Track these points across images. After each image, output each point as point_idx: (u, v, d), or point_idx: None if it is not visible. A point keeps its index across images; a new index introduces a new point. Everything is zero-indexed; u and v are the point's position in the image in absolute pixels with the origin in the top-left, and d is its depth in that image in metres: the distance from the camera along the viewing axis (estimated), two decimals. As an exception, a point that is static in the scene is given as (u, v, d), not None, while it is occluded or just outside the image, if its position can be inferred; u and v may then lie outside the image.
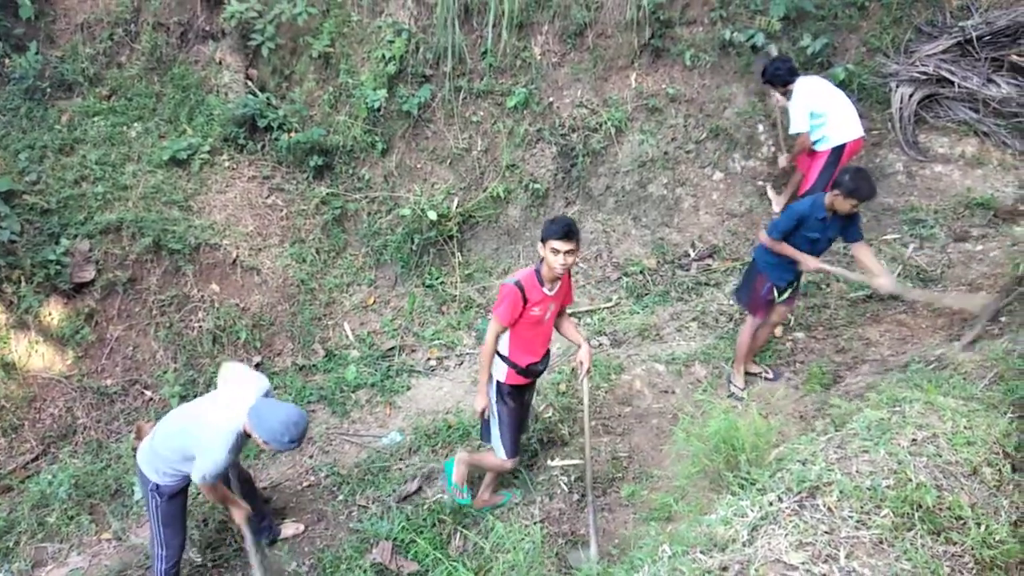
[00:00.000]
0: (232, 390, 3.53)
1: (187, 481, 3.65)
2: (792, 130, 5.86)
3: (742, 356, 5.11)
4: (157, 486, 3.60)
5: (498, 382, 3.87)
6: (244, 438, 3.42)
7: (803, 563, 1.91)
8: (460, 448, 4.70)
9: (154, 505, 3.65)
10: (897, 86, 6.75)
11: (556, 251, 3.48)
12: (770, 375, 5.23)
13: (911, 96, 6.74)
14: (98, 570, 4.28)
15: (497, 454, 4.03)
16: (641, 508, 4.21)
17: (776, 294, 4.79)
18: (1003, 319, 4.69)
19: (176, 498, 3.69)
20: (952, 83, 6.62)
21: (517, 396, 3.96)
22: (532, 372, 3.91)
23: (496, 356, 3.84)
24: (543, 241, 3.52)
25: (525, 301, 3.63)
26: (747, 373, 5.21)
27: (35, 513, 4.60)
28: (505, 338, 3.80)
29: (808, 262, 4.58)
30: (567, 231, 3.46)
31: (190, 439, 3.41)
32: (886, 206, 6.57)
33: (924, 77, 6.68)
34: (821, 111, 5.76)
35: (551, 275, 3.63)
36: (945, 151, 6.73)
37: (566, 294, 3.90)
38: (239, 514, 3.76)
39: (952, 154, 6.67)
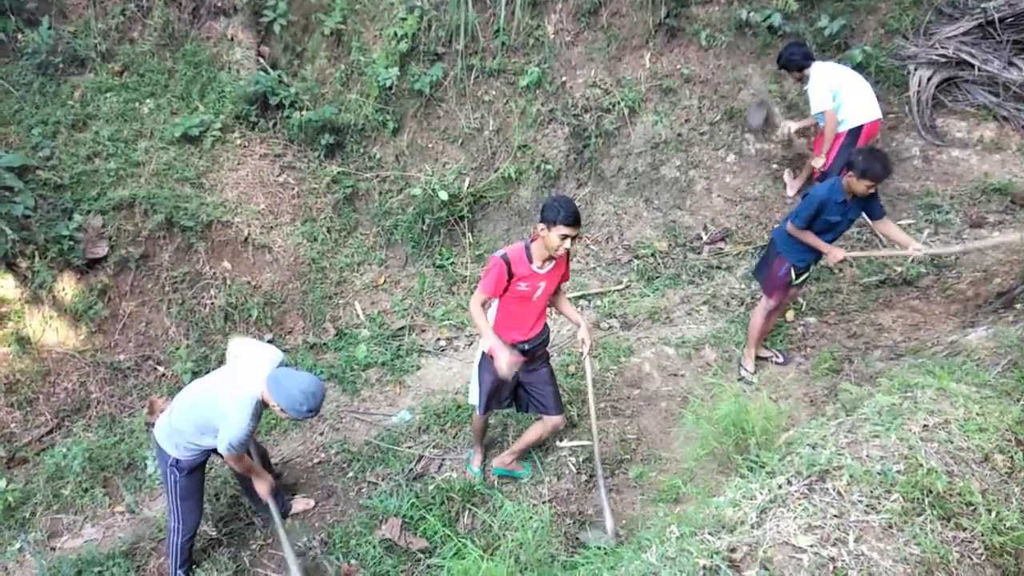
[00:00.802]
0: (247, 361, 3.55)
1: (205, 455, 3.68)
2: (815, 109, 5.71)
3: (755, 339, 5.08)
4: (177, 461, 3.61)
5: (483, 353, 3.93)
6: (262, 406, 3.44)
7: (811, 546, 1.91)
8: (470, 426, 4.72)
9: (172, 480, 3.67)
10: (915, 69, 6.64)
11: (564, 236, 3.45)
12: (780, 359, 5.22)
13: (929, 79, 6.64)
14: (112, 542, 4.35)
15: (472, 401, 4.25)
16: (649, 490, 4.23)
17: (794, 276, 4.75)
18: (1018, 306, 4.65)
19: (195, 473, 3.72)
20: (972, 66, 6.51)
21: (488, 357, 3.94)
22: (517, 349, 3.81)
23: None
24: (549, 224, 3.45)
25: (511, 275, 3.63)
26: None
27: (50, 485, 4.66)
28: (492, 312, 3.82)
29: (835, 254, 4.55)
30: (577, 217, 3.44)
31: (210, 411, 3.42)
32: (901, 191, 6.50)
33: (943, 60, 6.57)
34: (839, 91, 5.67)
35: (544, 255, 3.62)
36: (963, 135, 6.64)
37: (562, 274, 3.85)
38: (264, 486, 3.78)
39: (970, 139, 6.58)
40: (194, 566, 4.04)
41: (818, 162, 5.88)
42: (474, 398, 4.20)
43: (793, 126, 6.17)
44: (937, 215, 6.15)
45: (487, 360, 3.92)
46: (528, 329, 3.84)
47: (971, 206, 6.19)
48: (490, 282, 3.63)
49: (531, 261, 3.65)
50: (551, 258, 3.66)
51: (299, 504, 4.49)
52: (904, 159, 6.64)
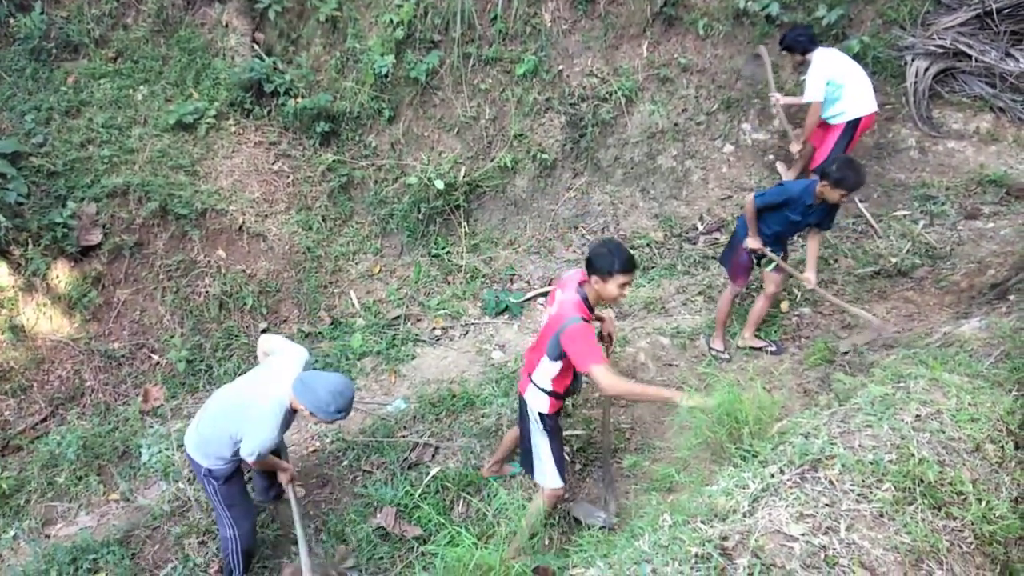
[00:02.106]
0: (273, 366, 3.49)
1: (239, 462, 3.61)
2: (806, 98, 5.71)
3: (721, 320, 5.25)
4: (210, 471, 3.55)
5: (541, 414, 3.58)
6: (291, 414, 3.40)
7: (803, 534, 1.93)
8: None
9: (212, 489, 3.61)
10: (913, 59, 6.64)
11: (623, 284, 3.29)
12: (773, 348, 5.24)
13: (927, 70, 6.63)
14: (106, 529, 4.35)
15: (551, 484, 3.66)
16: (643, 479, 4.24)
17: (755, 262, 4.93)
18: (1012, 297, 4.66)
19: (233, 479, 3.65)
20: (969, 57, 6.51)
21: (557, 419, 3.73)
22: (570, 392, 3.68)
23: (538, 390, 3.55)
24: (605, 275, 3.25)
25: None
26: (751, 348, 5.23)
27: (44, 473, 4.66)
28: (554, 372, 3.48)
29: (752, 242, 4.75)
30: (633, 262, 3.30)
31: (237, 420, 3.37)
32: (897, 182, 6.51)
33: (941, 50, 6.57)
34: (840, 82, 5.65)
35: (599, 303, 3.44)
36: (959, 127, 6.64)
37: None
38: (284, 476, 3.74)
39: (966, 130, 6.58)
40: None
41: (794, 147, 5.99)
42: (553, 474, 3.65)
43: (782, 100, 6.12)
44: (933, 206, 6.16)
45: (547, 420, 3.61)
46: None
47: (966, 197, 6.20)
48: (597, 347, 3.30)
49: (591, 311, 3.44)
50: (606, 306, 3.52)
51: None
52: (900, 150, 6.65)
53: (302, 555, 3.52)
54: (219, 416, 3.48)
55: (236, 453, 3.48)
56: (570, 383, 3.59)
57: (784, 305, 5.63)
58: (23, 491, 4.59)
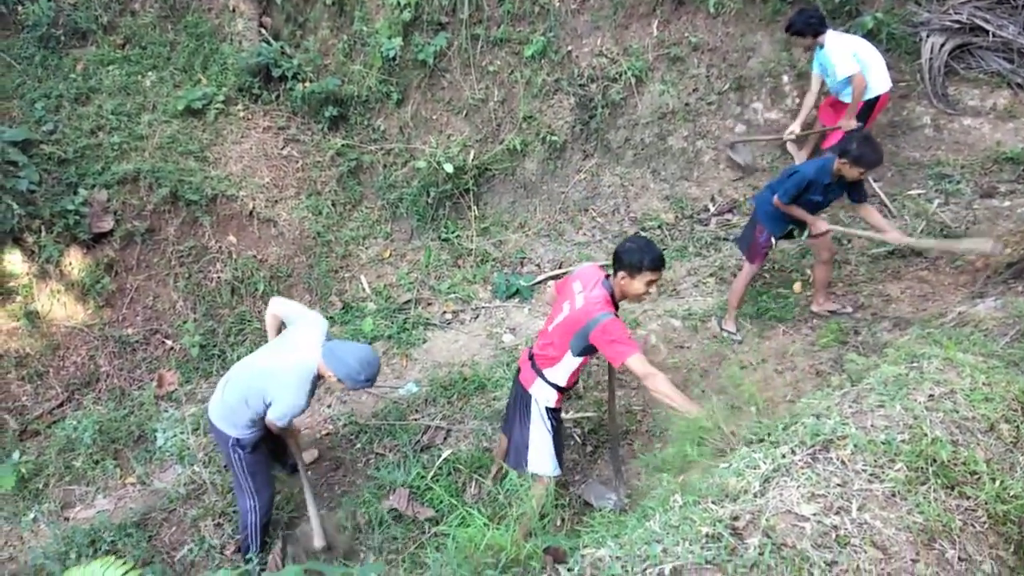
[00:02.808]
0: (296, 335, 3.54)
1: (265, 431, 3.66)
2: (844, 73, 5.50)
3: (735, 302, 5.21)
4: (238, 440, 3.59)
5: (548, 408, 3.55)
6: (317, 380, 3.45)
7: (814, 514, 1.92)
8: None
9: (238, 459, 3.65)
10: (928, 35, 6.51)
11: (651, 282, 3.25)
12: (849, 309, 5.23)
13: (942, 46, 6.51)
14: (123, 512, 4.42)
15: (549, 472, 3.62)
16: (654, 459, 4.24)
17: (774, 243, 4.92)
18: (1028, 276, 4.61)
19: (258, 448, 3.70)
20: (986, 32, 6.38)
21: (559, 413, 3.73)
22: (574, 386, 3.67)
23: (548, 385, 3.52)
24: (633, 271, 3.22)
25: None
26: (830, 312, 5.22)
27: (62, 457, 4.73)
28: (571, 368, 3.46)
29: (818, 225, 4.67)
30: (663, 259, 3.26)
31: (265, 387, 3.40)
32: (911, 160, 6.42)
33: (957, 26, 6.44)
34: (863, 59, 5.55)
35: (624, 299, 3.39)
36: (976, 103, 6.53)
37: None
38: (293, 441, 3.88)
39: (983, 107, 6.47)
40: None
41: (850, 124, 5.70)
42: (552, 464, 3.62)
43: (796, 128, 6.07)
44: (948, 185, 6.08)
45: (553, 415, 3.59)
46: None
47: (982, 176, 6.11)
48: (632, 339, 3.24)
49: (616, 308, 3.38)
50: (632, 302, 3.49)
51: (306, 455, 4.51)
52: (915, 128, 6.55)
53: (314, 524, 3.57)
54: (246, 383, 3.50)
55: (262, 418, 3.52)
56: (578, 378, 3.59)
57: (797, 286, 5.59)
58: (42, 475, 4.66)
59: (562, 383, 3.50)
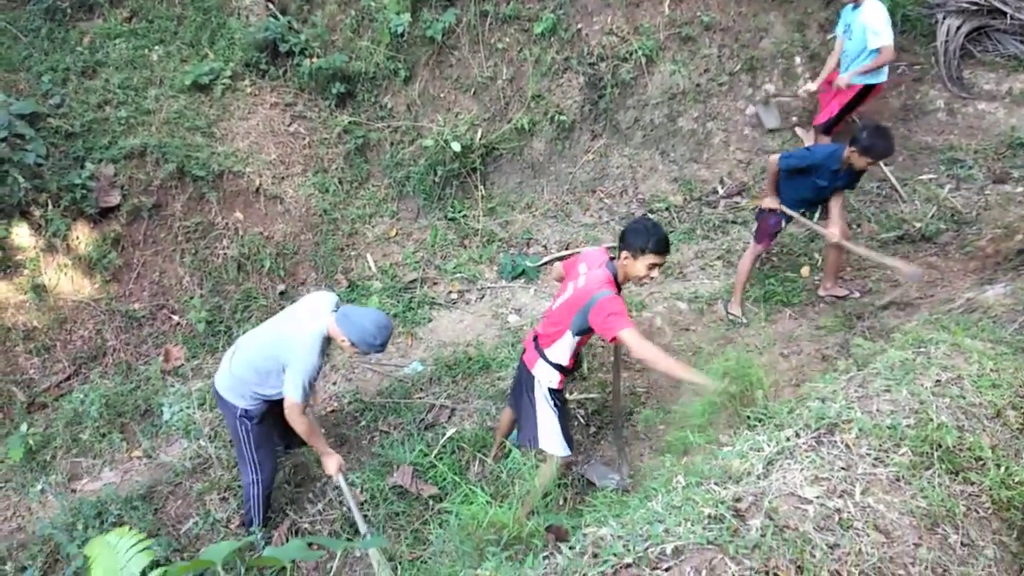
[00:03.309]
0: (303, 305, 3.61)
1: (270, 403, 3.66)
2: (878, 44, 5.33)
3: (741, 283, 5.19)
4: (246, 411, 3.61)
5: (551, 390, 3.54)
6: (328, 343, 3.48)
7: (817, 497, 1.91)
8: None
9: (244, 431, 3.66)
10: (944, 17, 6.42)
11: (653, 265, 3.22)
12: (857, 294, 5.21)
13: (959, 28, 6.42)
14: (130, 485, 4.46)
15: (560, 453, 3.59)
16: (657, 441, 4.26)
17: (783, 225, 4.91)
18: (1039, 263, 4.57)
19: (265, 420, 3.72)
20: (1004, 14, 6.29)
21: (563, 394, 3.71)
22: (576, 367, 3.65)
23: (550, 366, 3.50)
24: (636, 252, 3.19)
25: None
26: (836, 297, 5.20)
27: (69, 430, 4.77)
28: (570, 347, 3.45)
29: (770, 201, 4.78)
30: (667, 243, 3.22)
31: (277, 352, 3.42)
32: (923, 145, 6.35)
33: (974, 7, 6.35)
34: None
35: (626, 281, 3.36)
36: (991, 87, 6.44)
37: None
38: (332, 463, 3.66)
39: (999, 91, 6.38)
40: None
41: (845, 81, 5.57)
42: (560, 444, 3.59)
43: (812, 87, 5.95)
44: (960, 170, 6.02)
45: (557, 395, 3.57)
46: None
47: (995, 161, 6.05)
48: (627, 315, 3.17)
49: (619, 288, 3.34)
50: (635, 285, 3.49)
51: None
52: (928, 112, 6.47)
53: (360, 525, 3.51)
54: (257, 351, 3.53)
55: (271, 394, 3.53)
56: (578, 359, 3.59)
57: (805, 270, 5.57)
58: (49, 447, 4.70)
59: (563, 362, 3.49)
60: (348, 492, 3.66)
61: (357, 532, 4.05)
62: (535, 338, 3.62)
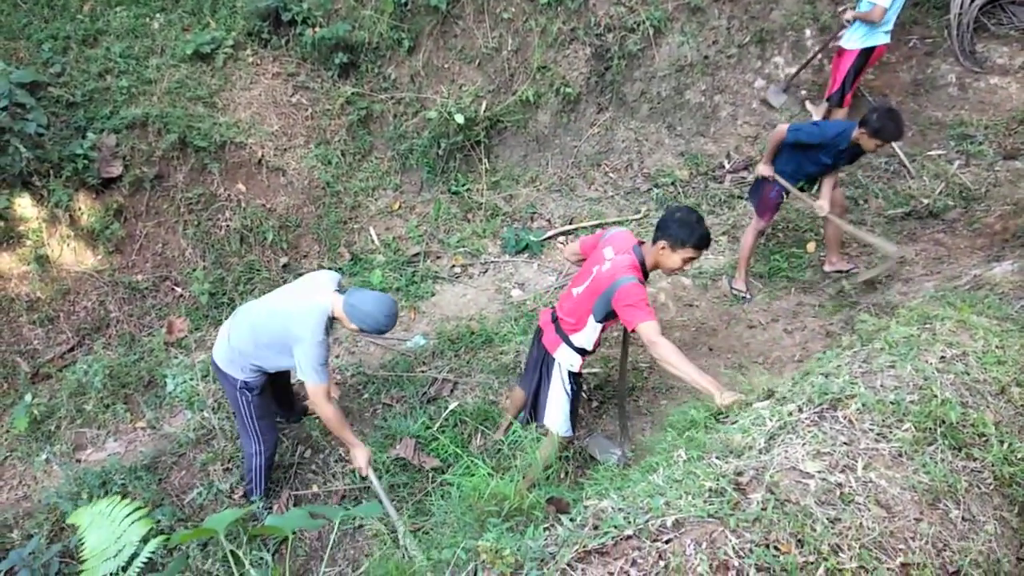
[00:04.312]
0: (306, 281, 3.59)
1: (269, 375, 3.68)
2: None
3: (744, 259, 5.17)
4: (245, 383, 3.60)
5: (571, 372, 3.52)
6: (331, 322, 3.44)
7: (819, 471, 1.91)
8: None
9: (245, 402, 3.66)
10: (959, -11, 6.30)
11: (689, 259, 3.16)
12: (857, 268, 5.18)
13: (973, 1, 6.29)
14: (134, 456, 4.49)
15: (562, 431, 3.60)
16: (659, 416, 4.26)
17: (784, 197, 4.88)
18: (1047, 240, 4.52)
19: (265, 392, 3.73)
20: (1020, -14, 6.15)
21: (580, 377, 3.70)
22: (596, 348, 3.60)
23: (572, 350, 3.47)
24: (675, 243, 3.09)
25: None
26: (837, 271, 5.19)
27: (73, 400, 4.79)
28: (595, 333, 3.40)
29: (764, 168, 4.73)
30: (709, 239, 3.15)
31: (280, 328, 3.39)
32: (933, 120, 6.27)
33: (990, -21, 6.22)
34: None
35: (655, 268, 3.27)
36: (1004, 62, 6.34)
37: None
38: (362, 456, 3.61)
39: (1012, 65, 6.28)
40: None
41: (849, 14, 5.59)
42: (566, 424, 3.62)
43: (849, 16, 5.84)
44: (969, 146, 5.94)
45: (575, 378, 3.56)
46: None
47: (1006, 136, 5.97)
48: (649, 306, 3.10)
49: (646, 276, 3.25)
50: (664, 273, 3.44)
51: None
52: (939, 87, 6.38)
53: (391, 514, 3.44)
54: (259, 327, 3.49)
55: (269, 366, 3.53)
56: (599, 341, 3.54)
57: (810, 246, 5.53)
58: (53, 417, 4.72)
59: (588, 347, 3.46)
60: (377, 485, 3.60)
61: (359, 505, 4.08)
62: (555, 319, 3.55)
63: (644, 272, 3.22)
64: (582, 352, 3.48)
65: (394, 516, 3.42)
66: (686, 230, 3.07)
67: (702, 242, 3.11)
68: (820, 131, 4.51)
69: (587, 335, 3.40)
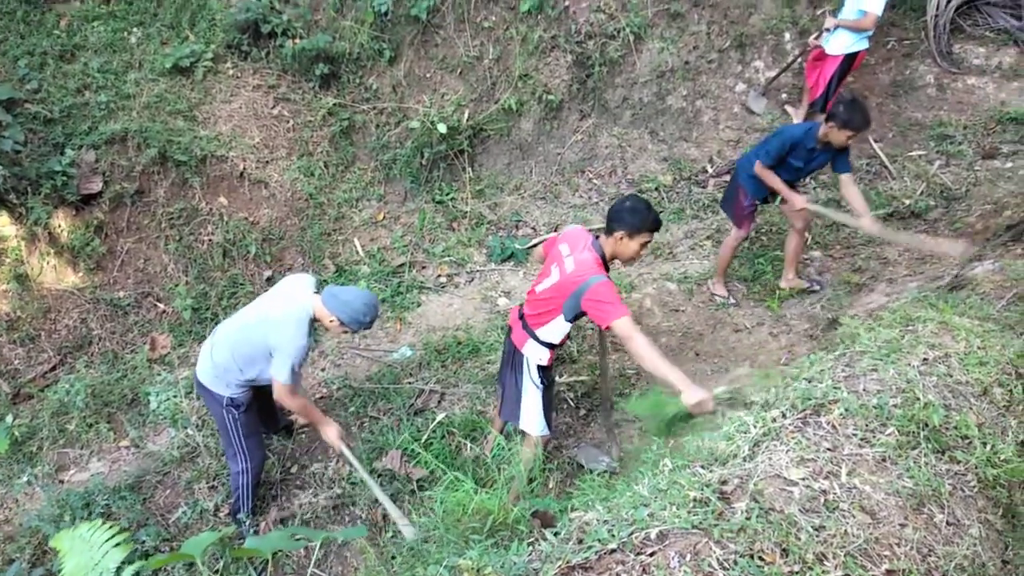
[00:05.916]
0: (283, 287, 3.59)
1: (255, 390, 3.66)
2: (869, 7, 5.32)
3: (722, 267, 5.19)
4: (232, 399, 3.57)
5: (540, 367, 3.51)
6: (313, 323, 3.44)
7: (803, 479, 1.90)
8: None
9: (231, 419, 3.62)
10: (935, -9, 6.36)
11: (646, 243, 3.23)
12: (817, 287, 5.14)
13: (949, 2, 6.36)
14: (118, 475, 4.43)
15: (539, 432, 3.62)
16: (646, 423, 4.24)
17: (758, 206, 4.87)
18: (1028, 239, 4.55)
19: (251, 408, 3.70)
20: (994, -13, 6.23)
21: (552, 371, 3.69)
22: (564, 344, 3.62)
23: (539, 344, 3.46)
24: (632, 231, 3.17)
25: None
26: (798, 291, 5.12)
27: (55, 420, 4.72)
28: (563, 330, 3.40)
29: (795, 200, 4.52)
30: (660, 221, 3.26)
31: (262, 339, 3.38)
32: (913, 121, 6.32)
33: (965, -20, 6.29)
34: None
35: (614, 259, 3.33)
36: (980, 62, 6.41)
37: None
38: (332, 431, 3.64)
39: (988, 65, 6.35)
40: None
41: (830, 22, 5.56)
42: (542, 424, 3.61)
43: (811, 41, 5.88)
44: (949, 146, 6.00)
45: (546, 373, 3.55)
46: None
47: (985, 136, 6.03)
48: (621, 302, 3.10)
49: (607, 269, 3.30)
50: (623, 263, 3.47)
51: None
52: (917, 88, 6.44)
53: (387, 507, 3.42)
54: (239, 338, 3.47)
55: (254, 380, 3.51)
56: (568, 336, 3.55)
57: (794, 248, 5.54)
58: (35, 438, 4.66)
59: (555, 341, 3.47)
60: (352, 457, 3.63)
61: (348, 520, 4.05)
62: (522, 316, 3.57)
63: (605, 266, 3.29)
64: (550, 346, 3.48)
65: (375, 489, 3.46)
66: (639, 216, 3.18)
67: (656, 225, 3.25)
68: (785, 137, 4.43)
69: (553, 330, 3.41)
